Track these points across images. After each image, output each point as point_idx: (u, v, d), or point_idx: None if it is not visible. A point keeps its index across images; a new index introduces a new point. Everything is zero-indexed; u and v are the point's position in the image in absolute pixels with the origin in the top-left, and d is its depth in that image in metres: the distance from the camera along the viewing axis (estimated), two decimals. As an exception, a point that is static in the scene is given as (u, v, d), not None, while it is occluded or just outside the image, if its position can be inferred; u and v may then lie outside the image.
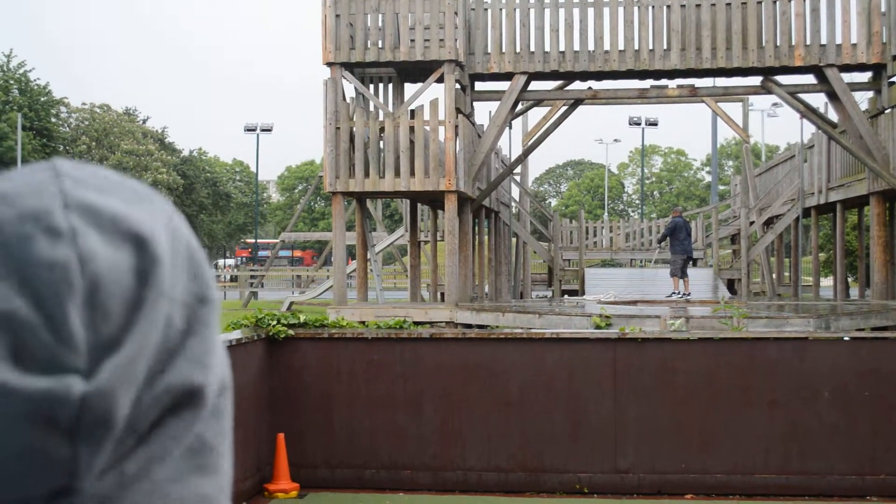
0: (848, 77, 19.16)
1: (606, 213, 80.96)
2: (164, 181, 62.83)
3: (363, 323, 14.60)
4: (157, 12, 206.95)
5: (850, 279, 28.81)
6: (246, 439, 9.27)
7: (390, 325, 10.29)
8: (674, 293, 21.47)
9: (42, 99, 55.88)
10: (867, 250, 23.92)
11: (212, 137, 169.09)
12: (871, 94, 19.84)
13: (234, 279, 60.68)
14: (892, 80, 18.96)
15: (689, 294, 21.50)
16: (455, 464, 9.82)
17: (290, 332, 10.08)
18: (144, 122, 71.69)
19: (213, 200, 79.16)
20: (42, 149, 53.76)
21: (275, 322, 10.08)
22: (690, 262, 24.01)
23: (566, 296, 27.62)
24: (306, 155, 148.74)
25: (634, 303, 19.91)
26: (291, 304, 34.97)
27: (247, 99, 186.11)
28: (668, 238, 22.63)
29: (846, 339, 9.68)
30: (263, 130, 64.59)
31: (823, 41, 18.67)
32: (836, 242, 24.99)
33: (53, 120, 58.39)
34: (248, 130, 64.58)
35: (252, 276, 47.26)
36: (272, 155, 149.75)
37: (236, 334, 9.41)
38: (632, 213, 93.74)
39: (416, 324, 12.57)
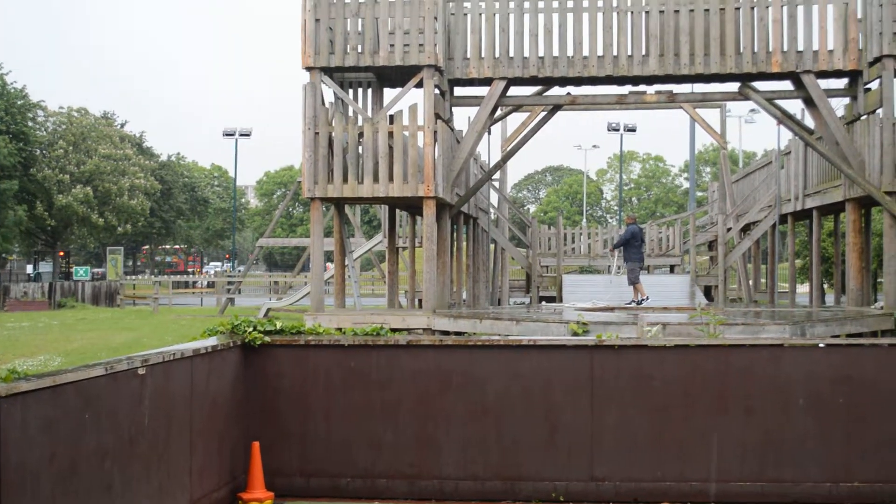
0: (824, 83, 19.27)
1: (585, 220, 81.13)
2: (142, 186, 62.55)
3: (340, 330, 14.55)
4: (134, 15, 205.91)
5: (825, 286, 28.96)
6: (220, 447, 9.19)
7: (367, 332, 10.23)
8: (635, 301, 21.61)
9: (19, 102, 55.47)
10: (843, 257, 24.04)
11: (190, 142, 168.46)
12: (847, 100, 19.95)
13: (211, 285, 60.43)
14: (868, 86, 19.08)
15: (646, 298, 21.69)
16: (432, 472, 9.77)
17: (267, 338, 10.01)
18: (122, 126, 71.37)
19: (190, 205, 79.00)
20: (18, 153, 53.34)
21: (251, 329, 10.01)
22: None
23: (544, 302, 27.66)
24: (285, 160, 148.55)
25: (612, 309, 19.94)
26: (268, 310, 34.86)
27: (226, 103, 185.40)
28: (623, 246, 22.71)
29: (821, 345, 9.70)
30: (242, 135, 64.43)
31: (800, 48, 18.78)
32: (812, 249, 25.10)
33: (30, 124, 57.94)
34: (227, 135, 64.39)
35: (229, 283, 47.02)
36: (251, 160, 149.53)
37: (212, 341, 9.33)
38: (610, 220, 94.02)
39: (394, 330, 12.53)
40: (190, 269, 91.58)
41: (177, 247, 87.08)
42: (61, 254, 65.53)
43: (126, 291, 53.83)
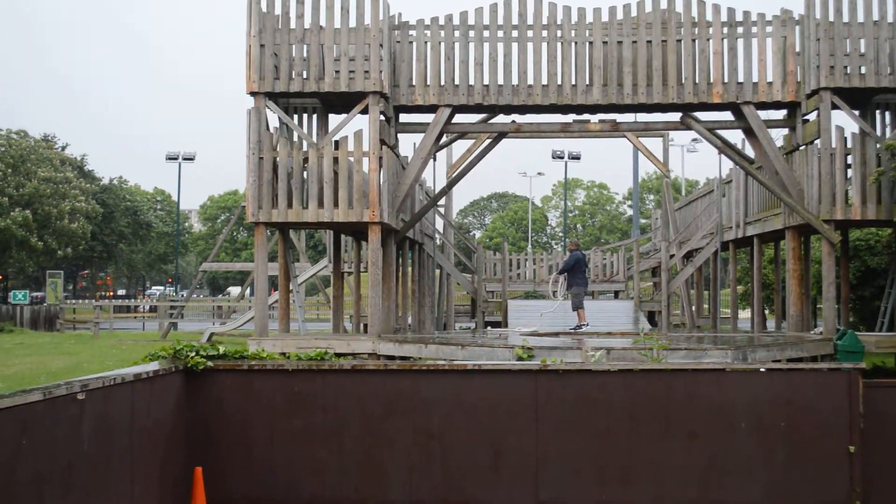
0: (764, 114, 19.62)
1: (530, 246, 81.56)
2: (83, 209, 61.69)
3: (284, 354, 14.46)
4: (81, 39, 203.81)
5: (766, 311, 29.37)
6: (162, 473, 9.06)
7: (312, 357, 10.18)
8: (582, 325, 21.49)
9: (-44, 124, 54.45)
10: (783, 283, 24.41)
11: (134, 166, 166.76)
12: (786, 131, 20.33)
13: (153, 309, 59.66)
14: (805, 117, 19.46)
15: (586, 324, 21.56)
16: (377, 497, 9.72)
17: (209, 363, 9.92)
18: (63, 149, 70.41)
19: (132, 230, 78.02)
20: (-45, 175, 52.32)
21: (193, 353, 9.91)
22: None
23: (489, 327, 27.70)
24: (229, 184, 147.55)
25: (556, 334, 20.02)
26: (212, 335, 34.49)
27: (170, 127, 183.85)
28: (567, 272, 22.45)
29: (762, 370, 9.84)
30: (186, 159, 63.88)
31: (741, 79, 19.12)
32: (753, 275, 25.46)
33: (-32, 146, 56.95)
34: (170, 159, 63.83)
35: (172, 307, 46.45)
36: (195, 184, 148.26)
37: (153, 366, 9.22)
38: (555, 246, 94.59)
39: (338, 355, 12.47)
40: (109, 294, 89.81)
41: (101, 273, 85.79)
42: (0, 277, 64.32)
43: (66, 315, 52.95)
